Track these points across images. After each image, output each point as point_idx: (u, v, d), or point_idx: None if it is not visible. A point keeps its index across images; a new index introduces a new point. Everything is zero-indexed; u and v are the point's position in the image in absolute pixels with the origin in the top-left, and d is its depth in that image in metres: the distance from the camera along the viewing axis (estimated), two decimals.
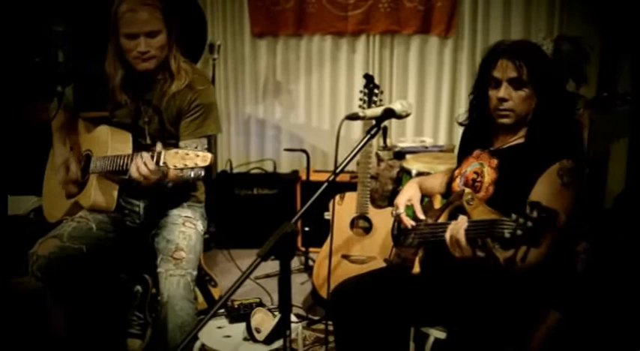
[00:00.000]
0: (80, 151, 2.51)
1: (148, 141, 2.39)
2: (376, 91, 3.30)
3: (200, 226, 2.49)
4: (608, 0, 4.05)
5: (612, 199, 3.09)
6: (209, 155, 1.96)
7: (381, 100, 3.31)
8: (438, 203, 2.24)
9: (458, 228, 1.77)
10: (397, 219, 2.27)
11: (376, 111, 1.70)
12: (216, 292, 3.21)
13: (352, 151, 1.60)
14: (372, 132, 1.64)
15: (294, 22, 4.48)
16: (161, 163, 2.01)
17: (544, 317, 2.43)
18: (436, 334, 2.13)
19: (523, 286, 1.94)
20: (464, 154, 2.23)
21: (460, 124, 2.24)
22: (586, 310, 2.60)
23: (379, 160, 3.72)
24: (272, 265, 3.37)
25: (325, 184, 1.53)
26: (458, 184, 2.16)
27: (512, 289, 1.93)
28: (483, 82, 2.07)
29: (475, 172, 2.09)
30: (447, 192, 2.24)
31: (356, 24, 4.41)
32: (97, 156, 2.34)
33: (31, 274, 2.27)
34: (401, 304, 2.12)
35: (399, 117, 1.72)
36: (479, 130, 2.19)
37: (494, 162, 2.05)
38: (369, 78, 3.34)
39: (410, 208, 2.29)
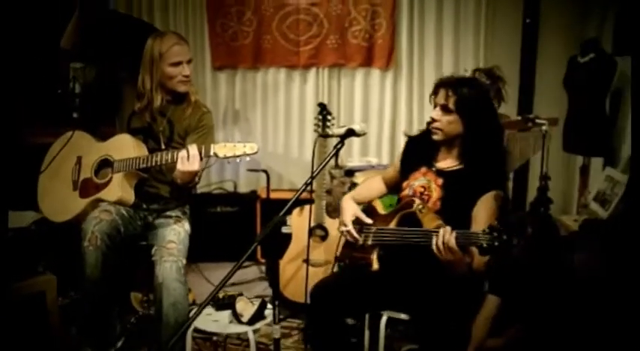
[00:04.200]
0: (82, 159, 2.91)
1: (162, 146, 2.86)
2: (329, 117, 3.75)
3: (187, 225, 2.92)
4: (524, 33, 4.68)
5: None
6: (255, 145, 2.44)
7: (333, 125, 3.75)
8: (380, 206, 2.61)
9: (449, 237, 2.10)
10: (347, 234, 2.54)
11: (341, 131, 2.17)
12: (190, 297, 3.58)
13: (323, 161, 2.08)
14: (338, 146, 2.12)
15: (251, 57, 4.85)
16: (211, 154, 2.46)
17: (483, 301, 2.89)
18: (390, 314, 2.53)
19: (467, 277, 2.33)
20: (410, 167, 2.58)
21: (407, 135, 2.61)
22: (524, 296, 3.07)
23: (332, 177, 4.15)
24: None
25: (307, 183, 1.98)
26: (407, 195, 2.50)
27: (458, 280, 2.31)
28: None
29: (423, 187, 2.47)
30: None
31: (307, 58, 4.81)
32: (119, 158, 2.76)
33: (89, 236, 2.67)
34: (367, 295, 2.47)
35: (358, 135, 2.19)
36: (423, 144, 2.55)
37: (440, 181, 2.43)
38: (322, 106, 3.79)
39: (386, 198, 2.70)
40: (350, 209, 2.58)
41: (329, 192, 3.85)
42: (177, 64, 2.81)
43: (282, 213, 1.91)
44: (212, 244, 4.39)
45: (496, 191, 2.32)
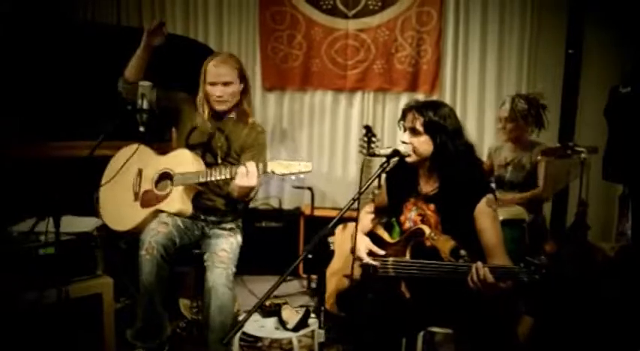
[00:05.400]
0: (142, 171, 3.09)
1: (219, 160, 3.02)
2: (374, 139, 3.91)
3: (239, 237, 3.12)
4: (567, 63, 4.79)
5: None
6: (309, 163, 2.58)
7: (377, 147, 3.90)
8: (385, 234, 2.72)
9: (484, 272, 2.17)
10: (367, 265, 2.63)
11: (387, 151, 2.33)
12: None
13: (371, 178, 2.24)
14: (384, 166, 2.28)
15: (300, 79, 5.07)
16: (268, 171, 2.61)
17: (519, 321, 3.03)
18: (434, 329, 2.65)
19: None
20: (399, 200, 2.66)
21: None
22: (555, 315, 3.14)
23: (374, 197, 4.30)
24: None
25: (355, 199, 2.13)
26: (410, 227, 2.57)
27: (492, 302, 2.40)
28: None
29: (420, 215, 2.57)
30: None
31: (353, 82, 5.00)
32: (179, 172, 2.93)
33: (147, 246, 2.82)
34: (407, 319, 2.53)
35: (403, 156, 2.35)
36: (401, 174, 2.63)
37: (431, 207, 2.52)
38: (368, 129, 3.96)
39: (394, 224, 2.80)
40: (362, 243, 2.67)
41: None
42: (213, 84, 2.99)
43: (330, 225, 2.05)
44: (256, 257, 4.42)
45: (486, 197, 2.42)
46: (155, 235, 2.88)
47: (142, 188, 3.07)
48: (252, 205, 4.94)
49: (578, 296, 3.17)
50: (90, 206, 3.18)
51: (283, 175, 2.61)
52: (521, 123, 3.75)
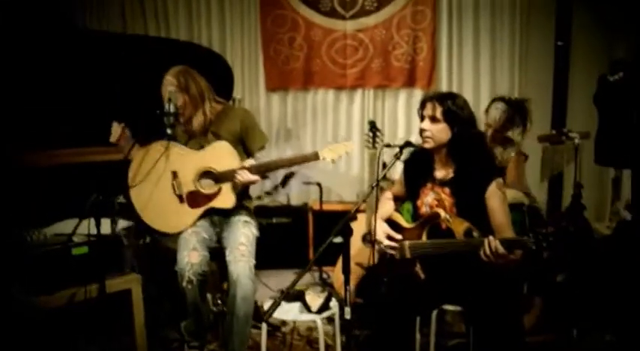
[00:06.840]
0: (178, 174, 3.15)
1: None
2: (378, 133, 4.07)
3: (254, 229, 3.24)
4: (556, 55, 5.01)
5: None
6: (351, 144, 2.91)
7: (382, 141, 4.06)
8: (401, 220, 2.87)
9: (496, 245, 2.36)
10: (388, 248, 2.78)
11: (400, 143, 2.54)
12: None
13: (388, 167, 2.44)
14: (398, 155, 2.49)
15: (302, 79, 5.26)
16: (320, 159, 2.89)
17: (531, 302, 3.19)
18: (446, 307, 2.81)
19: (511, 278, 2.64)
20: (416, 186, 2.82)
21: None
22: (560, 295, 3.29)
23: (381, 188, 4.46)
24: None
25: (375, 184, 2.33)
26: (426, 212, 2.74)
27: (501, 279, 2.58)
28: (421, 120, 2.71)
29: (436, 199, 2.73)
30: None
31: (353, 80, 5.21)
32: (221, 170, 3.05)
33: (187, 280, 2.97)
34: (421, 300, 2.71)
35: (415, 146, 2.55)
36: (417, 162, 2.83)
37: (447, 190, 2.69)
38: (372, 124, 4.11)
39: (404, 210, 3.00)
40: (381, 228, 2.84)
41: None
42: None
43: (353, 211, 2.23)
44: (268, 252, 4.59)
45: (495, 180, 2.61)
46: (190, 268, 2.99)
47: (185, 190, 3.14)
48: (261, 203, 5.12)
49: (582, 267, 3.35)
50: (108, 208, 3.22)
51: (333, 160, 2.90)
52: (506, 128, 3.83)
